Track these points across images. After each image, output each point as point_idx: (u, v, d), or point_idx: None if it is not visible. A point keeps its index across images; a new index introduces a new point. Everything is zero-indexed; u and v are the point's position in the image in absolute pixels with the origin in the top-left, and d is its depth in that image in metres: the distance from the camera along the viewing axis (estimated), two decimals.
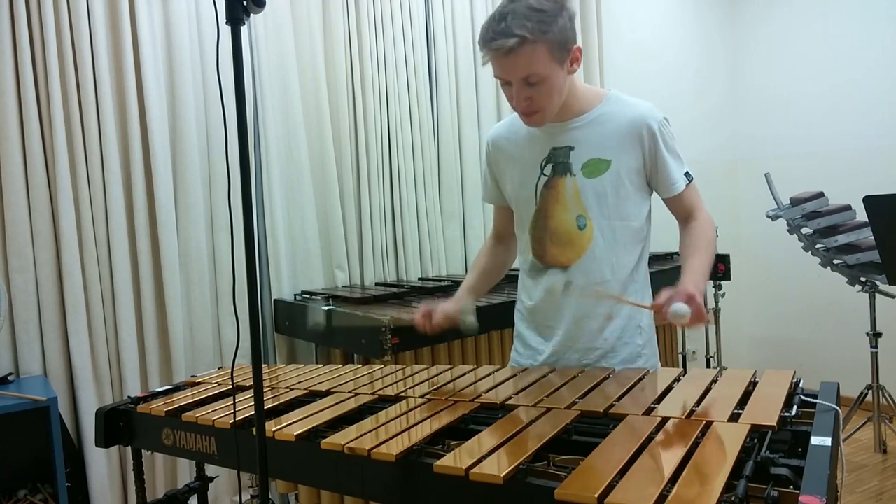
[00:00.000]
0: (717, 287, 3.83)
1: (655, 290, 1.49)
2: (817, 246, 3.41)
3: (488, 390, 1.40)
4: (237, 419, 1.37)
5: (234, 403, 1.47)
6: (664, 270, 3.29)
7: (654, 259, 3.35)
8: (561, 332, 1.60)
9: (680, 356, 3.92)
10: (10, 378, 2.39)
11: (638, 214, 1.57)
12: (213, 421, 1.42)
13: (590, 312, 1.58)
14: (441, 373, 1.61)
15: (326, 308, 2.62)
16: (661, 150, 1.53)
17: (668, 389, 1.29)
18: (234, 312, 1.88)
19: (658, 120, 1.53)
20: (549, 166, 1.56)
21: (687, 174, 1.57)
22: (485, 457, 1.02)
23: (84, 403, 2.54)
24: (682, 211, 1.59)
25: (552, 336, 1.62)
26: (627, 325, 1.59)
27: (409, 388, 1.49)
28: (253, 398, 1.13)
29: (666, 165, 1.54)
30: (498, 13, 1.38)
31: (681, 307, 1.28)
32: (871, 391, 3.32)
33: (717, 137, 4.60)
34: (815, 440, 0.99)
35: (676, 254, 3.82)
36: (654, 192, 1.60)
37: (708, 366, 3.98)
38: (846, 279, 3.37)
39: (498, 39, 1.36)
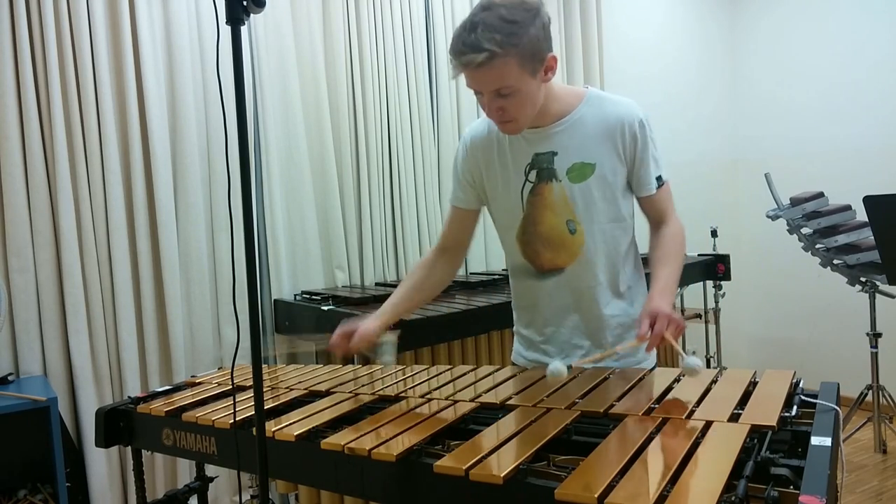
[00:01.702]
0: (717, 287, 3.84)
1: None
2: (817, 246, 3.41)
3: (488, 390, 1.40)
4: (237, 419, 1.37)
5: (234, 403, 1.47)
6: None
7: (646, 262, 3.35)
8: (564, 332, 1.61)
9: (680, 356, 3.91)
10: (10, 378, 2.39)
11: (625, 213, 1.58)
12: (213, 421, 1.42)
13: (590, 314, 1.59)
14: (441, 373, 1.61)
15: (326, 308, 2.62)
16: (639, 151, 1.52)
17: (668, 389, 1.29)
18: (234, 312, 1.88)
19: (638, 119, 1.51)
20: (534, 172, 1.54)
21: (659, 178, 1.56)
22: (485, 457, 1.02)
23: (84, 403, 2.54)
24: (654, 213, 1.59)
25: (556, 335, 1.62)
26: (628, 323, 1.61)
27: (409, 388, 1.49)
28: (253, 398, 1.13)
29: (643, 166, 1.53)
30: (469, 22, 1.34)
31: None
32: (871, 391, 3.32)
33: (717, 137, 4.61)
34: (815, 440, 0.99)
35: None
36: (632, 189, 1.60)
37: (708, 366, 3.98)
38: (846, 279, 3.37)
39: (467, 54, 1.33)
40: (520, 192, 1.56)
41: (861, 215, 3.06)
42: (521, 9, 1.34)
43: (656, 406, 1.20)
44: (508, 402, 1.30)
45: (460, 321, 2.54)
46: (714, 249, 3.77)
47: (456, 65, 1.37)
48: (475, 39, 1.31)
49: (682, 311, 3.85)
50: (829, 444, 0.97)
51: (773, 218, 3.48)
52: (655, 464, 0.95)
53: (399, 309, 1.62)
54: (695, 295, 3.95)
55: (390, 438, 1.15)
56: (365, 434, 1.19)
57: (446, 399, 1.36)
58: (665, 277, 1.49)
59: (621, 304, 1.61)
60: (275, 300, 2.96)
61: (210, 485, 1.94)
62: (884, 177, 3.79)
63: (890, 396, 3.35)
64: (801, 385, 1.26)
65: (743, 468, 0.92)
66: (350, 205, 3.15)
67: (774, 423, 1.05)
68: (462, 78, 1.40)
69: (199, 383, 1.81)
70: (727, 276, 3.69)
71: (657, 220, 1.59)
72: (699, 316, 3.91)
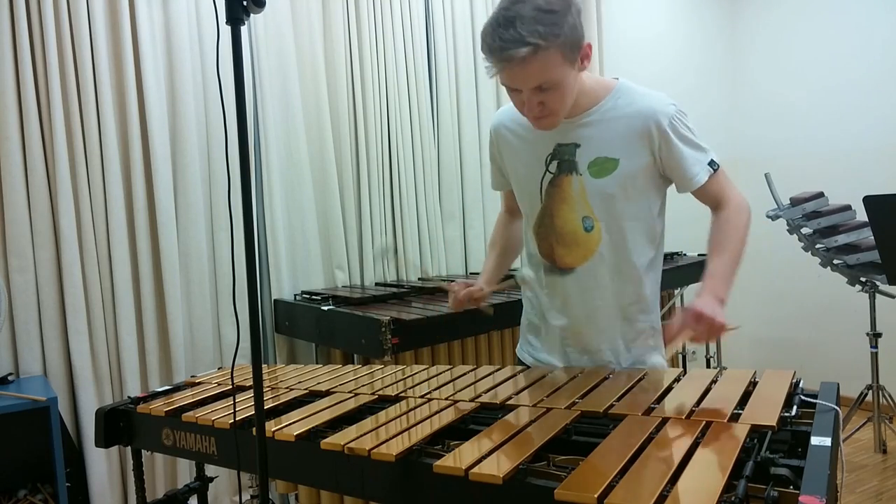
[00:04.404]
0: None
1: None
2: (817, 246, 3.41)
3: (488, 390, 1.40)
4: (237, 419, 1.37)
5: (234, 403, 1.47)
6: (665, 270, 3.28)
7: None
8: (573, 329, 1.57)
9: (680, 356, 3.92)
10: (10, 378, 2.39)
11: (649, 213, 1.52)
12: (213, 421, 1.42)
13: (602, 315, 1.55)
14: (441, 373, 1.61)
15: (326, 309, 2.62)
16: (675, 145, 1.45)
17: (668, 389, 1.29)
18: (234, 312, 1.88)
19: (668, 114, 1.45)
20: (555, 163, 1.50)
21: (711, 163, 1.49)
22: (485, 457, 1.02)
23: (84, 403, 2.54)
24: (711, 200, 1.52)
25: (567, 330, 1.58)
26: (646, 329, 1.59)
27: (409, 388, 1.49)
28: (253, 398, 1.13)
29: (682, 160, 1.46)
30: (502, 17, 1.28)
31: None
32: (871, 391, 3.32)
33: (717, 137, 4.60)
34: (815, 440, 0.99)
35: (677, 254, 3.83)
36: (675, 186, 1.53)
37: (708, 366, 3.98)
38: (846, 279, 3.37)
39: (509, 49, 1.26)
40: (539, 183, 1.53)
41: (861, 215, 3.06)
42: None
43: (656, 406, 1.20)
44: (508, 402, 1.30)
45: (460, 321, 2.54)
46: None
47: (495, 62, 1.31)
48: (516, 34, 1.26)
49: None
50: (829, 444, 0.97)
51: (773, 218, 3.48)
52: (655, 464, 0.95)
53: (498, 273, 1.70)
54: (695, 295, 3.95)
55: (390, 438, 1.15)
56: (365, 434, 1.19)
57: (446, 399, 1.36)
58: (714, 270, 1.42)
59: (640, 308, 1.56)
60: (275, 300, 2.96)
61: (210, 485, 1.95)
62: (884, 177, 3.79)
63: (890, 396, 3.35)
64: (801, 385, 1.27)
65: (743, 468, 0.92)
66: (350, 205, 3.15)
67: (774, 423, 1.05)
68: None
69: (199, 383, 1.81)
70: None
71: (716, 205, 1.52)
72: None
